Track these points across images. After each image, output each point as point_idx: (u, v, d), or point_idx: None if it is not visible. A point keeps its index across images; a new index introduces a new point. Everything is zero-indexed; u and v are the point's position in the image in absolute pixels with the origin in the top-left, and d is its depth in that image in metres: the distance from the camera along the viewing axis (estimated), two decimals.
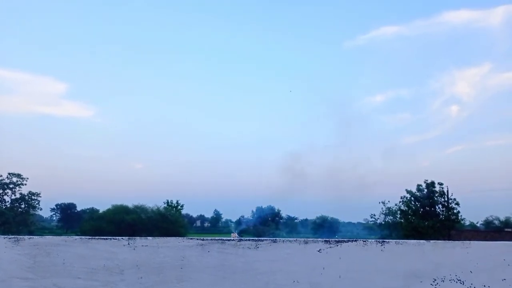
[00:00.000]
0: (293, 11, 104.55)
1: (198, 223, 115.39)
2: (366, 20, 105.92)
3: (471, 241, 2.42)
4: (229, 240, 2.33)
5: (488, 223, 57.81)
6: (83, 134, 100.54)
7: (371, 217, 56.96)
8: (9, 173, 52.64)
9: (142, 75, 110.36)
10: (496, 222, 57.01)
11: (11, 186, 52.49)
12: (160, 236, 2.54)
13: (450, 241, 2.53)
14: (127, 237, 2.40)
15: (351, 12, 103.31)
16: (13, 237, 2.32)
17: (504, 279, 2.25)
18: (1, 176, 52.19)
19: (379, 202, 54.63)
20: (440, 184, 49.72)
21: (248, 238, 2.34)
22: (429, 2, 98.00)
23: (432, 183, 49.86)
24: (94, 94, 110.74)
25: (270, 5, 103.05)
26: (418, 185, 50.27)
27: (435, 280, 2.25)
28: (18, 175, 52.90)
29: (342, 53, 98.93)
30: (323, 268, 2.24)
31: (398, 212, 52.23)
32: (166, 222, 54.30)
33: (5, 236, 2.33)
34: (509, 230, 42.15)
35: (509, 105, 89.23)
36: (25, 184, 53.00)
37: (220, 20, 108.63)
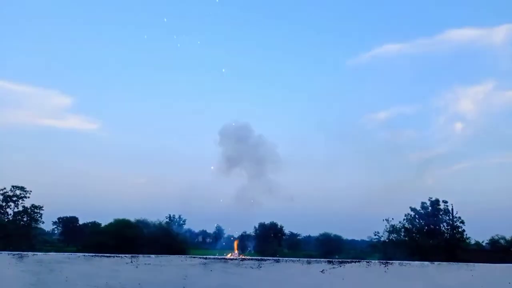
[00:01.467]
0: (294, 29, 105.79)
1: (200, 238, 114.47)
2: (369, 38, 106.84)
3: (475, 263, 2.40)
4: (232, 259, 2.33)
5: (493, 242, 57.01)
6: (87, 148, 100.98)
7: (375, 235, 56.41)
8: (12, 186, 52.77)
9: (148, 90, 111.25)
10: (502, 241, 56.22)
11: (14, 199, 52.56)
12: (162, 251, 2.54)
13: (455, 262, 2.51)
14: (130, 255, 2.40)
15: (354, 30, 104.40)
16: (17, 254, 2.33)
17: None
18: (5, 188, 52.32)
19: (383, 220, 54.15)
20: (445, 202, 49.34)
21: (251, 258, 2.33)
22: (432, 21, 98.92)
23: (437, 201, 49.45)
24: (99, 108, 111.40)
25: (270, 22, 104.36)
26: (423, 203, 49.88)
27: None
28: (22, 188, 52.99)
29: (345, 71, 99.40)
30: None
31: (402, 230, 51.68)
32: (168, 237, 54.01)
33: (9, 252, 2.34)
34: None
35: None
36: (28, 197, 53.07)
37: (224, 39, 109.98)
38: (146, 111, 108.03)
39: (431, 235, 47.82)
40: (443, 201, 49.51)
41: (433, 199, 49.67)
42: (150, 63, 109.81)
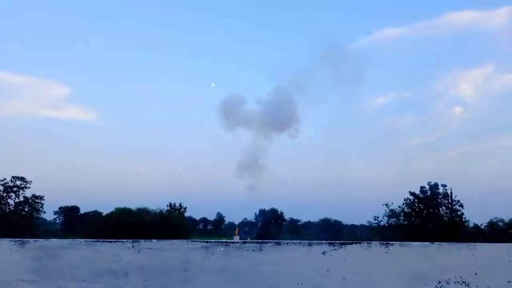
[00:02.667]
0: (294, 14, 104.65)
1: (201, 225, 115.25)
2: (369, 22, 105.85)
3: (476, 243, 2.41)
4: (233, 242, 2.33)
5: (492, 225, 57.50)
6: (86, 137, 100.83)
7: (375, 219, 56.79)
8: (13, 177, 52.86)
9: (145, 78, 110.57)
10: (501, 224, 56.69)
11: (15, 189, 52.69)
12: (164, 239, 2.54)
13: (455, 243, 2.52)
14: (131, 240, 2.40)
15: (353, 14, 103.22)
16: (19, 240, 2.33)
17: (509, 281, 2.24)
18: (5, 179, 52.42)
19: (382, 204, 54.47)
20: (444, 186, 49.58)
21: (252, 241, 2.33)
22: (431, 4, 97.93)
23: (436, 185, 49.70)
24: (97, 97, 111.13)
25: (269, 7, 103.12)
26: (422, 187, 50.11)
27: (440, 282, 2.24)
28: (22, 179, 53.11)
29: (345, 56, 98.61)
30: (328, 271, 2.24)
31: (402, 214, 52.02)
32: (169, 225, 54.31)
33: (11, 239, 2.33)
34: None
35: None
36: (29, 187, 53.22)
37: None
38: (144, 100, 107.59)
39: (430, 218, 48.21)
40: (442, 185, 49.82)
41: (432, 183, 49.97)
42: (147, 53, 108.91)
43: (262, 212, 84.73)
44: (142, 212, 55.89)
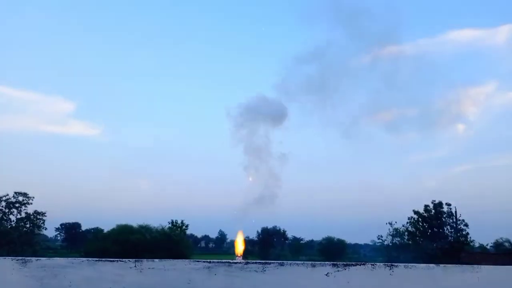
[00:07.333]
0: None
1: (203, 243, 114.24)
2: (371, 39, 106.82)
3: (481, 266, 2.38)
4: (236, 263, 2.32)
5: (498, 245, 56.63)
6: (89, 153, 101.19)
7: (378, 239, 56.11)
8: (15, 192, 52.78)
9: (149, 96, 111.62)
10: (507, 244, 55.87)
11: (17, 205, 52.54)
12: (165, 257, 2.52)
13: (460, 265, 2.49)
14: (133, 260, 2.39)
15: (356, 30, 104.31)
16: (21, 259, 2.32)
17: None
18: (8, 195, 52.34)
19: (386, 223, 53.89)
20: (448, 204, 49.07)
21: (255, 261, 2.32)
22: (434, 22, 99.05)
23: (440, 204, 49.19)
24: (101, 113, 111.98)
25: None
26: (426, 206, 49.61)
27: None
28: (25, 194, 52.99)
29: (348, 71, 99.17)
30: None
31: (406, 233, 51.38)
32: (171, 242, 53.81)
33: (13, 257, 2.33)
34: None
35: None
36: (31, 203, 53.05)
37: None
38: (147, 117, 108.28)
39: (435, 238, 47.54)
40: (446, 203, 49.28)
41: (436, 201, 49.44)
42: (151, 70, 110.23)
43: (265, 230, 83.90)
44: (144, 229, 55.47)
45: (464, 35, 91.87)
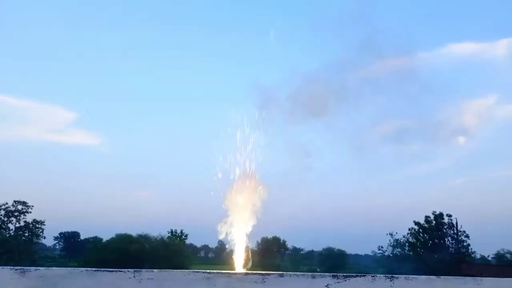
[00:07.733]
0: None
1: (202, 253, 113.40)
2: (369, 52, 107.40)
3: (482, 278, 2.36)
4: (235, 273, 2.31)
5: (499, 257, 56.20)
6: (89, 162, 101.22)
7: (379, 249, 55.74)
8: (14, 201, 52.58)
9: (149, 106, 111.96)
10: (508, 256, 55.43)
11: (16, 214, 52.31)
12: (164, 266, 2.50)
13: (461, 277, 2.48)
14: (132, 270, 2.38)
15: (355, 43, 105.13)
16: (20, 269, 2.31)
17: None
18: (7, 203, 52.14)
19: (387, 234, 53.58)
20: (449, 215, 48.85)
21: (255, 272, 2.30)
22: (433, 35, 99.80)
23: (441, 215, 48.98)
24: (102, 123, 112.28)
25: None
26: (426, 217, 49.39)
27: None
28: (24, 203, 52.79)
29: (347, 85, 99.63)
30: None
31: (407, 244, 51.07)
32: (170, 252, 53.50)
33: (12, 267, 2.32)
34: None
35: None
36: (30, 212, 52.81)
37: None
38: (147, 126, 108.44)
39: (435, 249, 47.22)
40: (447, 215, 49.06)
41: (437, 212, 49.23)
42: (152, 80, 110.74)
43: (264, 240, 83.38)
44: (143, 239, 55.20)
45: (464, 49, 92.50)
